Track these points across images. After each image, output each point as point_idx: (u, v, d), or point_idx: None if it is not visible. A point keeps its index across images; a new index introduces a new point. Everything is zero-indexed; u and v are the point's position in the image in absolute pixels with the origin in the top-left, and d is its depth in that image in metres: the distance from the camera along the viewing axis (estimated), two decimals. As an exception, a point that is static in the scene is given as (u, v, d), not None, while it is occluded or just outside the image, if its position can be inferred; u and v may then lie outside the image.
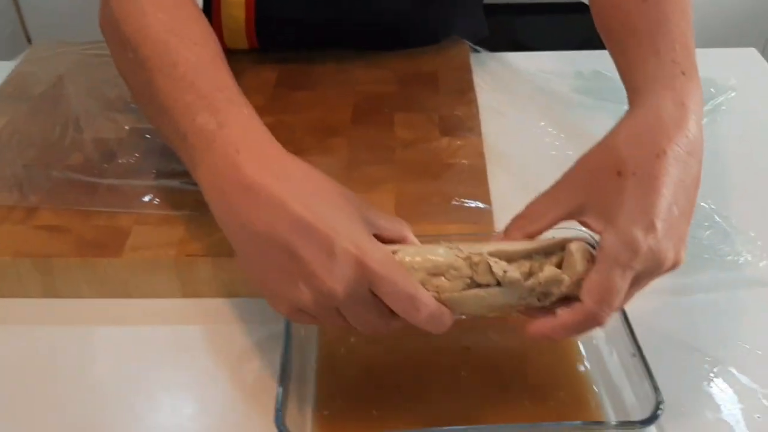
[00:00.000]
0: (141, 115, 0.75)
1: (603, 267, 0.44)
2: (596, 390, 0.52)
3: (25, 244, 0.60)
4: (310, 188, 0.47)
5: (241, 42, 0.84)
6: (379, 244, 0.46)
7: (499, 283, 0.46)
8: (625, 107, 0.82)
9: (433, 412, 0.51)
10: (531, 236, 0.49)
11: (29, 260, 0.59)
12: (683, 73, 0.52)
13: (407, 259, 0.46)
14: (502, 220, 0.62)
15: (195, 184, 0.64)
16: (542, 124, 0.79)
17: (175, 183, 0.66)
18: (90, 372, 0.56)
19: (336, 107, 0.76)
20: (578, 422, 0.49)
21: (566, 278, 0.46)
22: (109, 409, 0.53)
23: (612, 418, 0.50)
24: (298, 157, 0.49)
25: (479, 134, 0.72)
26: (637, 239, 0.44)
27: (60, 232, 0.61)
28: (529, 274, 0.47)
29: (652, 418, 0.45)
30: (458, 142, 0.70)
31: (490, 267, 0.46)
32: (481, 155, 0.69)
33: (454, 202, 0.63)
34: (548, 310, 0.47)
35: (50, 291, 0.61)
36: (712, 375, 0.55)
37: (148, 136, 0.73)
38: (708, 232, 0.65)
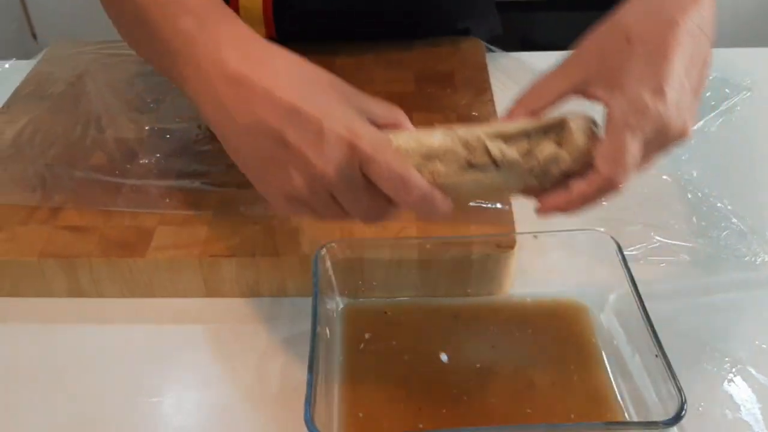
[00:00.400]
0: (161, 114, 0.76)
1: (613, 131, 0.44)
2: (618, 390, 0.52)
3: (50, 244, 0.61)
4: (296, 75, 0.46)
5: (259, 28, 0.84)
6: (371, 126, 0.45)
7: (496, 165, 0.45)
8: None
9: (461, 411, 0.51)
10: (536, 113, 0.48)
11: (54, 260, 0.60)
12: None
13: (401, 143, 0.45)
14: (521, 220, 0.63)
15: (217, 185, 0.65)
16: (558, 123, 0.79)
17: (196, 184, 0.66)
18: (114, 370, 0.57)
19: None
20: (601, 423, 0.50)
21: (566, 155, 0.45)
22: (132, 407, 0.54)
23: (634, 418, 0.50)
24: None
25: (497, 134, 0.72)
26: (645, 101, 0.44)
27: (84, 232, 0.62)
28: (528, 154, 0.46)
29: (676, 419, 0.45)
30: (477, 143, 0.71)
31: (487, 148, 0.45)
32: (499, 156, 0.69)
33: (476, 204, 0.64)
34: (547, 191, 0.47)
35: (75, 290, 0.62)
36: (731, 375, 0.55)
37: (168, 136, 0.73)
38: (725, 233, 0.66)
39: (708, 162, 0.74)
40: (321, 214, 0.47)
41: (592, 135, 0.46)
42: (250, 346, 0.58)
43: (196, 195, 0.65)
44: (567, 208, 0.46)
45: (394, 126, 0.48)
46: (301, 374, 0.55)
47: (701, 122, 0.80)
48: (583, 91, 0.48)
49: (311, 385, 0.47)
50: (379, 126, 0.47)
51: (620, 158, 0.44)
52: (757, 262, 0.64)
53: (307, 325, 0.54)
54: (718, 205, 0.69)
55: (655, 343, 0.49)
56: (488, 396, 0.52)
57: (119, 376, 0.57)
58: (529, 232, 0.58)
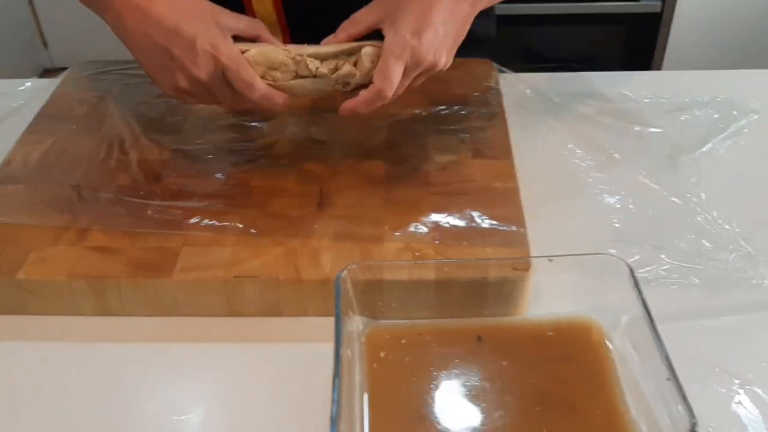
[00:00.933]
0: (183, 136, 0.78)
1: (384, 56, 0.64)
2: (631, 412, 0.54)
3: (79, 265, 0.63)
4: (178, 6, 0.66)
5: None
6: (230, 44, 0.65)
7: (314, 76, 0.67)
8: (651, 129, 0.85)
9: (477, 428, 0.53)
10: (352, 37, 0.68)
11: (84, 281, 0.62)
12: None
13: (251, 57, 0.66)
14: (536, 241, 0.65)
15: (239, 207, 0.68)
16: (570, 146, 0.81)
17: (219, 205, 0.68)
18: (139, 388, 0.59)
19: (371, 129, 0.79)
20: (615, 442, 0.52)
21: (357, 73, 0.67)
22: (157, 425, 0.56)
23: (647, 439, 0.52)
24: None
25: (511, 156, 0.74)
26: (406, 38, 0.64)
27: (112, 253, 0.64)
28: (335, 70, 0.67)
29: (687, 441, 0.47)
30: (491, 165, 0.73)
31: (307, 64, 0.66)
32: (513, 177, 0.71)
33: (489, 226, 0.66)
34: (351, 94, 0.67)
35: (102, 309, 0.64)
36: (739, 396, 0.57)
37: (190, 157, 0.75)
38: (733, 255, 0.68)
39: (716, 184, 0.76)
40: (202, 101, 0.69)
41: (377, 60, 0.66)
42: (272, 365, 0.60)
43: (218, 216, 0.67)
44: (356, 107, 0.66)
45: (256, 37, 0.69)
46: (323, 393, 0.57)
47: (709, 144, 0.82)
48: (380, 26, 0.67)
49: (336, 402, 0.49)
50: (246, 38, 0.68)
51: (387, 75, 0.64)
52: (765, 285, 0.65)
53: (327, 345, 0.55)
54: (726, 227, 0.71)
55: (668, 366, 0.51)
56: (504, 416, 0.54)
57: (144, 393, 0.59)
58: (544, 256, 0.60)
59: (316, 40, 0.83)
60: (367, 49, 0.67)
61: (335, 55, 0.67)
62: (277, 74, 0.67)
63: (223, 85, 0.66)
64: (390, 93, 0.65)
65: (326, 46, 0.68)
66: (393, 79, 0.64)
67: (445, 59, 0.67)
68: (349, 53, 0.67)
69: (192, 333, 0.63)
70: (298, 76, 0.67)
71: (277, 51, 0.67)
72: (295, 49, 0.67)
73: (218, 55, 0.64)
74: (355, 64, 0.67)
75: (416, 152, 0.75)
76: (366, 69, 0.66)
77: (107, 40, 0.84)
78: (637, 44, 2.07)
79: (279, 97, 0.67)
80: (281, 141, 0.77)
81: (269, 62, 0.67)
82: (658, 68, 2.05)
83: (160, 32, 0.65)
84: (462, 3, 0.68)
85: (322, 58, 0.67)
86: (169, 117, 0.81)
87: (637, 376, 0.55)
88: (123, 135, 0.78)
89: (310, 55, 0.67)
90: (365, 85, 0.66)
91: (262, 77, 0.66)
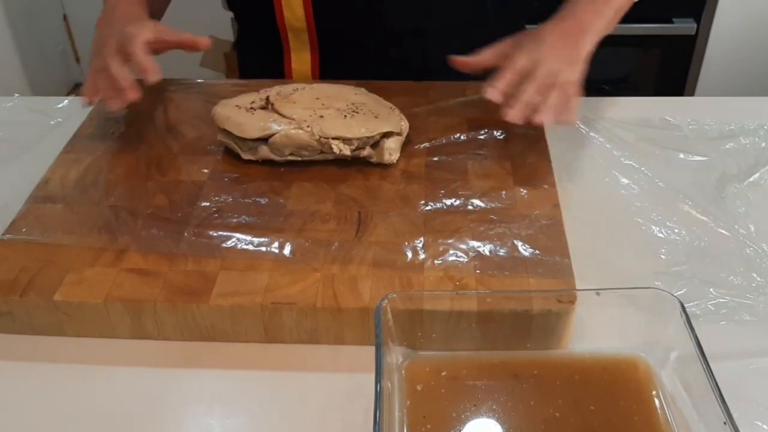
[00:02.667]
0: (220, 157, 0.78)
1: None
2: (684, 455, 0.52)
3: (117, 287, 0.62)
4: (126, 18, 0.81)
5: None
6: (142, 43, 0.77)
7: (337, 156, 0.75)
8: (696, 157, 0.83)
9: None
10: (470, 66, 0.78)
11: (121, 304, 0.61)
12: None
13: (278, 140, 0.75)
14: (581, 271, 0.63)
15: (276, 231, 0.67)
16: (613, 173, 0.80)
17: (256, 229, 0.68)
18: (174, 413, 0.58)
19: (412, 153, 0.77)
20: (666, 487, 0.50)
21: (375, 157, 0.76)
22: (199, 454, 0.55)
23: (700, 484, 0.50)
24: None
25: (553, 184, 0.73)
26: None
27: (149, 276, 0.63)
28: (356, 149, 0.75)
29: (746, 490, 0.45)
30: (533, 193, 0.71)
31: (332, 147, 0.74)
32: (556, 206, 0.70)
33: (532, 255, 0.64)
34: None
35: (138, 333, 0.63)
36: (795, 439, 0.54)
37: (227, 179, 0.75)
38: (785, 291, 0.65)
39: (765, 216, 0.74)
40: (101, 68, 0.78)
41: (394, 153, 0.76)
42: (310, 394, 0.59)
43: (255, 240, 0.66)
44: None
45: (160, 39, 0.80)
46: (362, 425, 0.56)
47: (757, 174, 0.79)
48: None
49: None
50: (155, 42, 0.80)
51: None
52: (818, 322, 0.63)
53: (365, 375, 0.54)
54: (777, 261, 0.68)
55: (724, 410, 0.49)
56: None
57: (179, 419, 0.58)
58: (592, 289, 0.58)
59: (344, 48, 0.92)
60: (389, 143, 0.75)
61: (358, 139, 0.74)
62: (305, 152, 0.75)
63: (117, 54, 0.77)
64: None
65: (351, 132, 0.75)
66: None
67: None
68: (370, 142, 0.75)
69: (228, 359, 0.62)
70: (322, 153, 0.75)
71: (299, 133, 0.74)
72: (317, 130, 0.74)
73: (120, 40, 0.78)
74: (373, 146, 0.75)
75: (456, 177, 0.74)
76: (382, 156, 0.75)
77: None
78: (671, 66, 2.04)
79: (151, 74, 0.76)
80: (318, 165, 0.76)
81: (295, 144, 0.75)
82: (692, 91, 2.02)
83: (114, 31, 0.80)
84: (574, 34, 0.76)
85: (345, 140, 0.74)
86: (207, 138, 0.81)
87: (689, 418, 0.53)
88: (160, 155, 0.78)
89: (335, 139, 0.74)
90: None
91: (291, 154, 0.75)
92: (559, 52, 0.74)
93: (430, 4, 0.92)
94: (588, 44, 0.76)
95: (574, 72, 0.75)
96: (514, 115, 0.72)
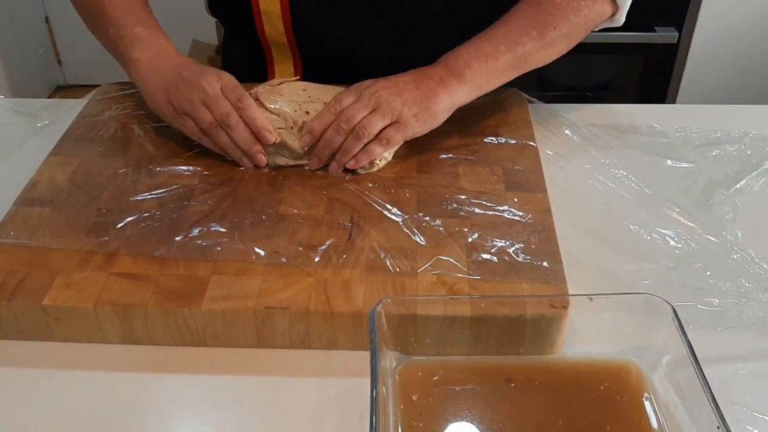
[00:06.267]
0: (210, 160, 0.77)
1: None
2: (677, 459, 0.52)
3: (106, 291, 0.61)
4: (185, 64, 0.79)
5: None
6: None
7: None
8: (684, 164, 0.83)
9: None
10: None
11: (111, 308, 0.60)
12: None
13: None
14: (572, 276, 0.63)
15: (269, 235, 0.67)
16: (601, 178, 0.80)
17: (248, 232, 0.67)
18: (164, 419, 0.57)
19: (404, 158, 0.78)
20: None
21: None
22: (191, 460, 0.54)
23: (693, 488, 0.50)
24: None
25: (544, 190, 0.73)
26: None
27: (139, 280, 0.62)
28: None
29: (740, 493, 0.45)
30: (525, 198, 0.72)
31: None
32: (548, 212, 0.70)
33: (524, 261, 0.65)
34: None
35: (128, 338, 0.62)
36: (784, 443, 0.55)
37: (217, 182, 0.74)
38: (772, 296, 0.66)
39: (752, 222, 0.75)
40: (201, 118, 0.75)
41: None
42: (302, 399, 0.58)
43: (247, 244, 0.66)
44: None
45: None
46: (355, 430, 0.56)
47: (743, 181, 0.80)
48: None
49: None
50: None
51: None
52: (807, 327, 0.64)
53: (358, 380, 0.54)
54: (765, 266, 0.69)
55: (717, 414, 0.49)
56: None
57: (170, 425, 0.57)
58: (584, 294, 0.59)
59: (327, 62, 0.91)
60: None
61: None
62: (286, 152, 0.76)
63: (221, 98, 0.74)
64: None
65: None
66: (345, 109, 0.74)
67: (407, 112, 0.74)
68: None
69: (219, 364, 0.61)
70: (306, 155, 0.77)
71: (281, 132, 0.75)
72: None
73: (221, 75, 0.76)
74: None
75: (448, 183, 0.74)
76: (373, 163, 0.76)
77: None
78: (653, 74, 2.06)
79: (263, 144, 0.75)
80: (311, 168, 0.76)
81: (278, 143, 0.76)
82: (674, 98, 2.04)
83: (170, 62, 0.79)
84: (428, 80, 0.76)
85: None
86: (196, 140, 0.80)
87: (681, 422, 0.54)
88: (150, 158, 0.77)
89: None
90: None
91: (276, 153, 0.76)
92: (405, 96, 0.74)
93: (412, 22, 0.90)
94: (445, 100, 0.75)
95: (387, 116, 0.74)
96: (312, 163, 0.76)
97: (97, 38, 0.85)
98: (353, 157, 0.74)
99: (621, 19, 0.83)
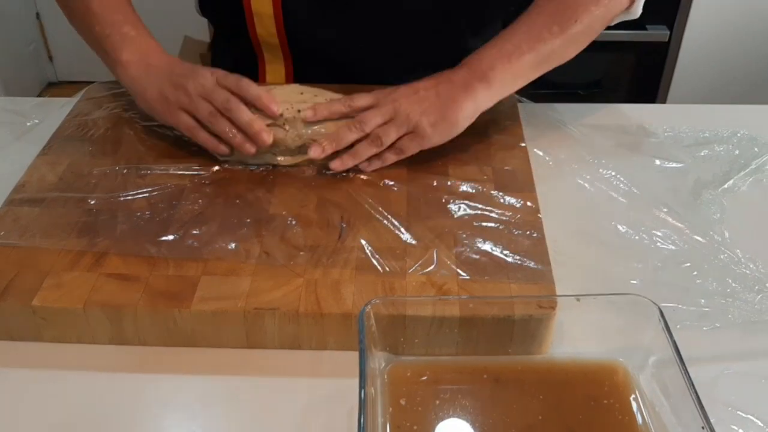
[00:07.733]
0: (201, 160, 0.77)
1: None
2: (662, 459, 0.53)
3: (96, 292, 0.61)
4: (177, 64, 0.80)
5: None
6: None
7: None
8: (672, 164, 0.84)
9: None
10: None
11: (100, 309, 0.60)
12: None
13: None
14: (561, 276, 0.64)
15: (260, 234, 0.67)
16: (590, 178, 0.81)
17: (238, 232, 0.67)
18: (154, 419, 0.57)
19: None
20: (646, 491, 0.50)
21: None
22: (180, 461, 0.54)
23: (678, 488, 0.50)
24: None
25: (533, 190, 0.73)
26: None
27: (129, 280, 0.62)
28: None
29: (724, 493, 0.46)
30: (514, 198, 0.72)
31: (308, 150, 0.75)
32: (536, 212, 0.70)
33: (513, 261, 0.65)
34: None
35: (117, 338, 0.62)
36: (769, 443, 0.56)
37: (208, 182, 0.74)
38: (759, 297, 0.67)
39: (740, 222, 0.75)
40: (200, 111, 0.75)
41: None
42: (291, 400, 0.59)
43: (237, 244, 0.66)
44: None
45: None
46: (344, 430, 0.56)
47: (731, 181, 0.81)
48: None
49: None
50: None
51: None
52: (792, 327, 0.64)
53: (347, 380, 0.54)
54: (751, 266, 0.70)
55: (702, 414, 0.50)
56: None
57: (160, 426, 0.57)
58: (572, 295, 0.59)
59: (318, 63, 0.91)
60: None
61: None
62: (277, 150, 0.76)
63: (219, 88, 0.74)
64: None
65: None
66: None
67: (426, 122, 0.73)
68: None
69: (209, 365, 0.62)
70: (299, 153, 0.77)
71: (274, 130, 0.75)
72: (293, 130, 0.76)
73: (213, 69, 0.76)
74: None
75: (438, 184, 0.74)
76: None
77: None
78: (644, 72, 2.07)
79: (266, 133, 0.74)
80: (301, 168, 0.76)
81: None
82: (665, 96, 2.05)
83: (160, 60, 0.79)
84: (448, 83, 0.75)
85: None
86: (187, 140, 0.80)
87: (667, 422, 0.54)
88: (140, 158, 0.77)
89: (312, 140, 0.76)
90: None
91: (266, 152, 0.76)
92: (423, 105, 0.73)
93: (403, 24, 0.90)
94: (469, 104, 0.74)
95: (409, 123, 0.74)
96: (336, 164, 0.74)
97: (79, 33, 0.85)
98: (366, 160, 0.75)
99: (638, 10, 0.82)
